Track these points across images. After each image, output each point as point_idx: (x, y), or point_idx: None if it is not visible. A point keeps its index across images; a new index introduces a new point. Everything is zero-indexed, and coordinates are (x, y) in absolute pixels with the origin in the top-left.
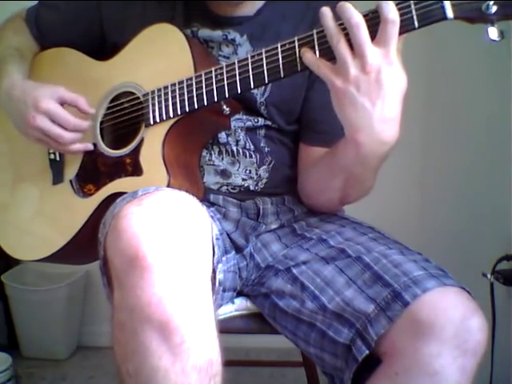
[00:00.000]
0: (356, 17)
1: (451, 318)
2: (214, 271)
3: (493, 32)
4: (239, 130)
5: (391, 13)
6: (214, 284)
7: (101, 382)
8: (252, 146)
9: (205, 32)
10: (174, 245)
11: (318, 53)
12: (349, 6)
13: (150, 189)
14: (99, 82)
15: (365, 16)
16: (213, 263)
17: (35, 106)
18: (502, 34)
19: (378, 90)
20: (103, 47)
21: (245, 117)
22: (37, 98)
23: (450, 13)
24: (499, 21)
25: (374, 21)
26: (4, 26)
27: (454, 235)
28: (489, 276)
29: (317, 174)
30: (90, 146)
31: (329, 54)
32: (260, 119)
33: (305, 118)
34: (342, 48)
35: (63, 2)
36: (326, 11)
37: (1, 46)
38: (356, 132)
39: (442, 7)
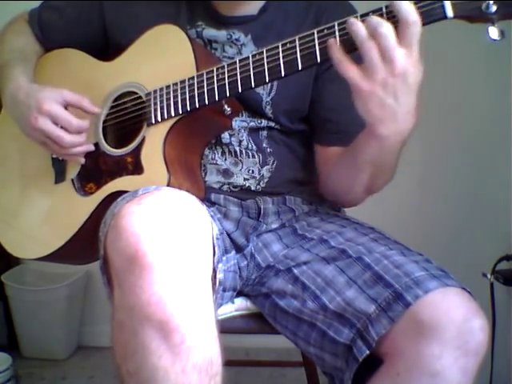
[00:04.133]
0: (384, 26)
1: (453, 319)
2: (214, 271)
3: (493, 32)
4: (242, 131)
5: (411, 15)
6: (214, 283)
7: (101, 382)
8: (254, 147)
9: (210, 32)
10: (173, 244)
11: (318, 52)
12: (374, 17)
13: (151, 188)
14: (103, 81)
15: (379, 14)
16: (213, 263)
17: (38, 108)
18: (502, 33)
19: (403, 88)
20: (106, 47)
21: (248, 118)
22: (40, 101)
23: (449, 12)
24: (500, 20)
25: (391, 20)
26: (5, 29)
27: (453, 235)
28: (489, 276)
29: (339, 174)
30: (91, 147)
31: (326, 54)
32: (263, 120)
33: (317, 119)
34: (374, 53)
35: (66, 3)
36: (354, 20)
37: (4, 49)
38: (380, 127)
39: (442, 6)
